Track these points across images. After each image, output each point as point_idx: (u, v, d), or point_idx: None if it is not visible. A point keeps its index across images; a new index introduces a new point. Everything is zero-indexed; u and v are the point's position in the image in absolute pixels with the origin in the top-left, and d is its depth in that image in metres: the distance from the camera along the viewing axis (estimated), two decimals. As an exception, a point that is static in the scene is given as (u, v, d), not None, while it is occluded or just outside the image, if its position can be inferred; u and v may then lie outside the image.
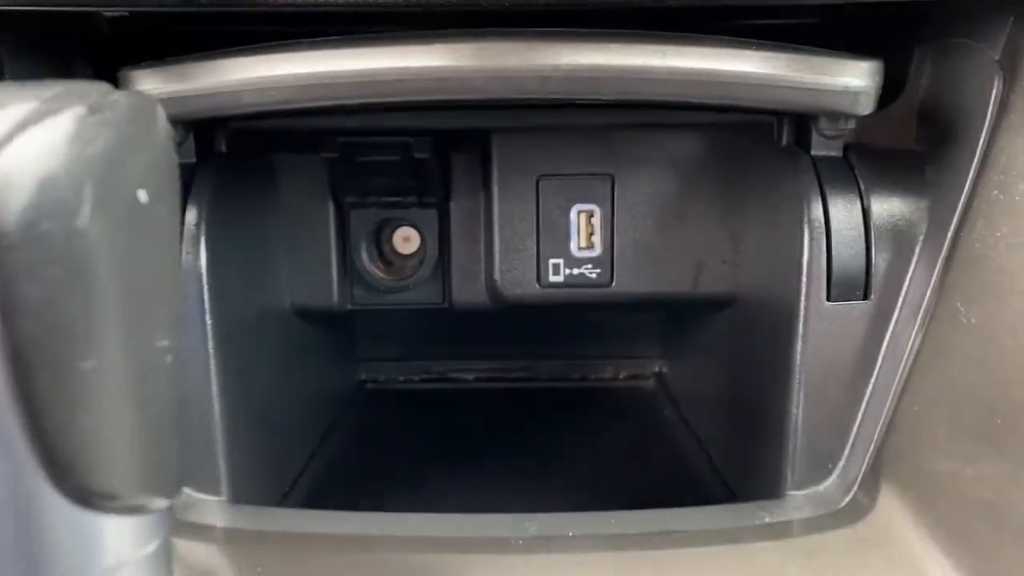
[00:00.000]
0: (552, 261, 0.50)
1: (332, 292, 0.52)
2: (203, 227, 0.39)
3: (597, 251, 0.49)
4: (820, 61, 0.36)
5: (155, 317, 0.21)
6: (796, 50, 0.36)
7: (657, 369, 0.65)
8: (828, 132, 0.39)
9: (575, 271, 0.50)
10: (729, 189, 0.48)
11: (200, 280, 0.39)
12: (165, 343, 0.22)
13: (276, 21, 0.39)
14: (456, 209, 0.52)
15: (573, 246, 0.49)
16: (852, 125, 0.38)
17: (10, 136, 0.18)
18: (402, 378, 0.65)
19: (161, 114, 0.23)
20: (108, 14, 0.39)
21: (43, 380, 0.19)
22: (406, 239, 0.55)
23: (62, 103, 0.20)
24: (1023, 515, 0.32)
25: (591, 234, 0.50)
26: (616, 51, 0.35)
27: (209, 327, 0.39)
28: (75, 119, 0.19)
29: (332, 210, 0.51)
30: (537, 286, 0.50)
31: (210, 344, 0.39)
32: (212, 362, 0.39)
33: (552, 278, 0.50)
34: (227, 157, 0.45)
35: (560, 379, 0.64)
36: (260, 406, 0.44)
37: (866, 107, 0.36)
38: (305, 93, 0.34)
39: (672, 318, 0.61)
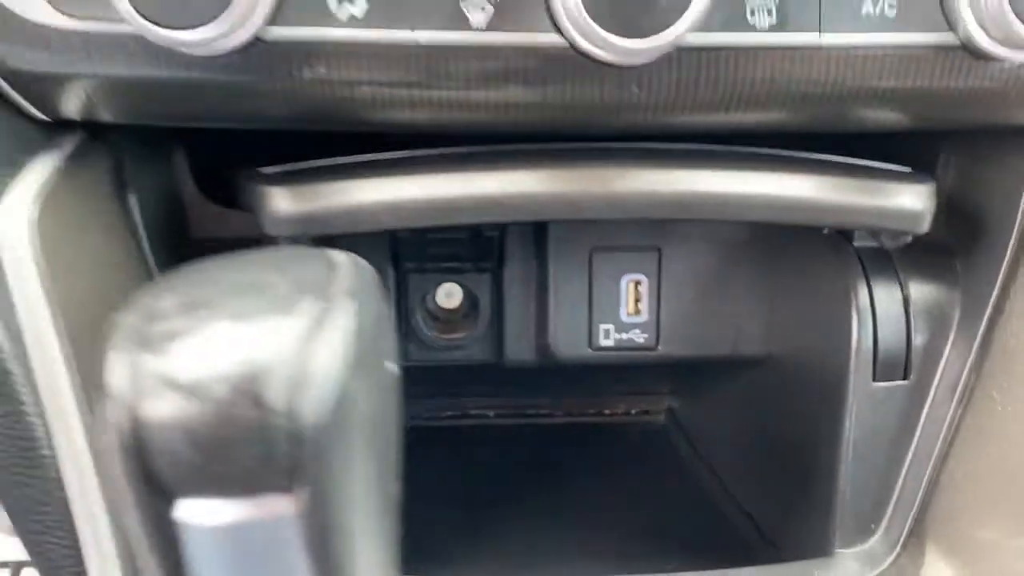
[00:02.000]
0: (603, 326, 0.54)
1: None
2: None
3: (644, 317, 0.53)
4: (881, 185, 0.40)
5: (392, 465, 0.25)
6: (854, 170, 0.41)
7: (667, 405, 0.69)
8: (888, 244, 0.44)
9: (624, 336, 0.54)
10: (769, 264, 0.52)
11: None
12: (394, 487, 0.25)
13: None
14: (509, 274, 0.55)
15: (622, 312, 0.53)
16: (909, 240, 0.43)
17: (309, 338, 0.21)
18: (426, 415, 0.68)
19: (374, 275, 0.25)
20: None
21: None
22: (448, 295, 0.58)
23: (316, 289, 0.23)
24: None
25: (638, 301, 0.53)
26: (701, 176, 0.39)
27: None
28: (346, 314, 0.22)
29: (392, 275, 0.54)
30: (589, 349, 0.54)
31: None
32: None
33: (603, 342, 0.54)
34: None
35: (576, 414, 0.68)
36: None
37: (924, 227, 0.41)
38: (439, 215, 0.38)
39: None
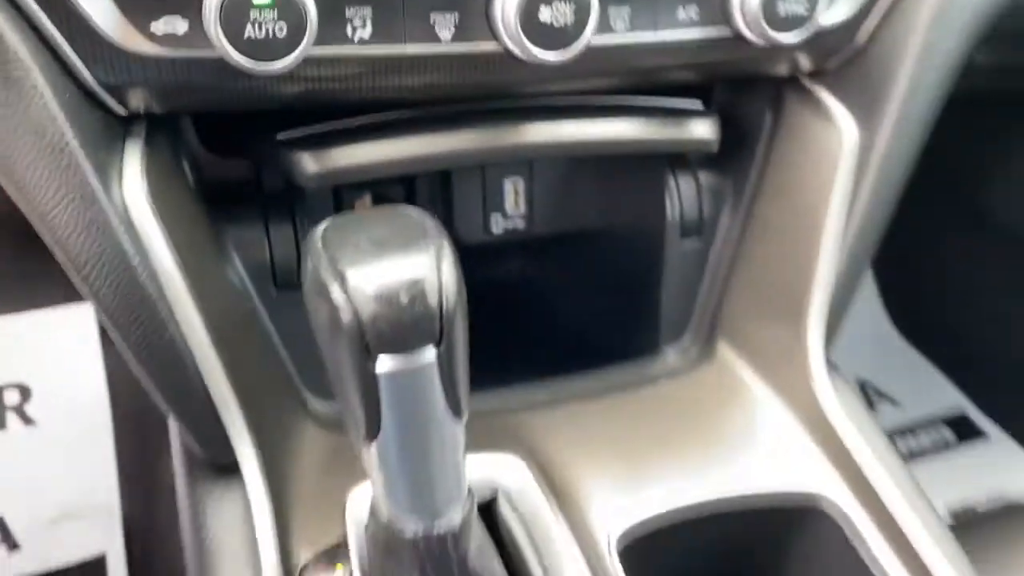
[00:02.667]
0: (493, 216, 0.73)
1: None
2: None
3: (522, 210, 0.74)
4: (683, 121, 0.62)
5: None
6: (664, 112, 0.62)
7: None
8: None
9: (509, 223, 0.74)
10: (609, 168, 0.73)
11: None
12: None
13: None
14: (420, 184, 0.73)
15: (507, 206, 0.74)
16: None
17: (438, 262, 0.39)
18: None
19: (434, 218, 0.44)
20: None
21: None
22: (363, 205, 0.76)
23: (422, 233, 0.41)
24: (804, 349, 0.63)
25: (517, 196, 0.74)
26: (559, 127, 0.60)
27: None
28: (446, 245, 0.40)
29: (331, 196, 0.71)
30: (484, 234, 0.74)
31: None
32: None
33: (494, 229, 0.74)
34: None
35: None
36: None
37: (715, 148, 0.64)
38: (415, 165, 0.56)
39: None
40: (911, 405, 1.56)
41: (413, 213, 0.44)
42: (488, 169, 0.72)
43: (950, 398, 1.61)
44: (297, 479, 0.55)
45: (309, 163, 0.55)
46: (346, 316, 0.39)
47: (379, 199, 0.74)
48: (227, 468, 0.54)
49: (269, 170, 0.62)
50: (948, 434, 1.54)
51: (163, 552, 1.12)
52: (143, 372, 0.51)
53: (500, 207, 0.73)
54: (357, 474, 0.54)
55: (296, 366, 0.61)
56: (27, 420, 1.25)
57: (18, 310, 1.30)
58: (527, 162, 0.73)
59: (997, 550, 0.78)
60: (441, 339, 0.41)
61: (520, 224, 0.74)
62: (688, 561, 0.57)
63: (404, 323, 0.40)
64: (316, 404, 0.61)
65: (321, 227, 0.43)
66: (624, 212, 0.72)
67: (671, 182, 0.69)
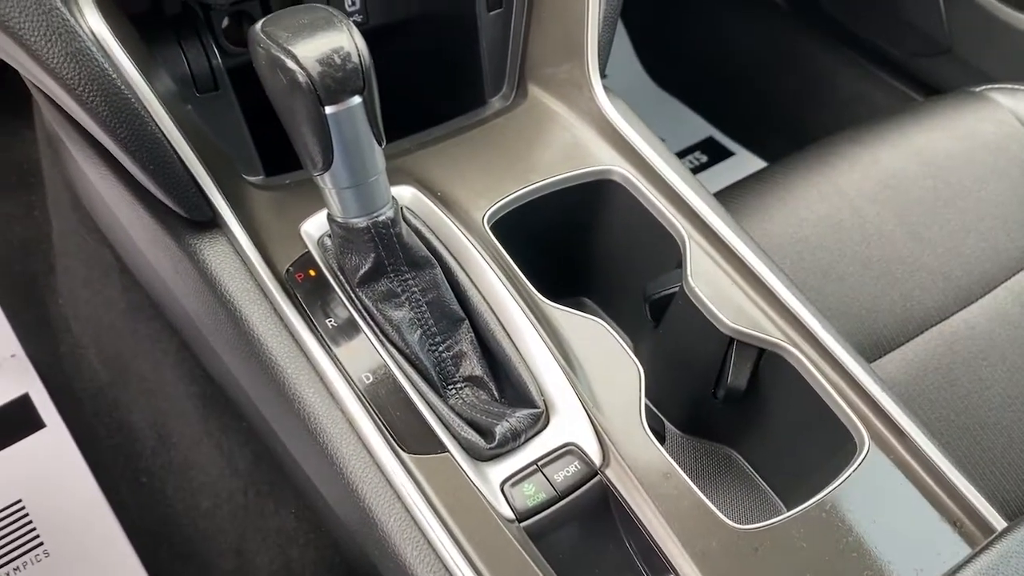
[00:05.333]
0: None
1: None
2: None
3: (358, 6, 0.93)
4: None
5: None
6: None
7: None
8: None
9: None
10: None
11: None
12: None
13: None
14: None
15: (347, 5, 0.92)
16: None
17: (351, 35, 0.60)
18: None
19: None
20: None
21: None
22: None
23: (337, 19, 0.62)
24: (587, 78, 0.88)
25: None
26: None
27: None
28: (351, 24, 0.61)
29: None
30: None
31: None
32: None
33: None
34: None
35: None
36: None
37: None
38: None
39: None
40: (671, 139, 1.90)
41: (320, 7, 0.64)
42: None
43: (701, 130, 1.98)
44: (257, 221, 0.76)
45: None
46: (302, 79, 0.60)
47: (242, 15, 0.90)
48: (204, 224, 0.74)
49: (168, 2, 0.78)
50: (702, 156, 1.92)
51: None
52: (133, 163, 0.69)
53: (341, 6, 0.92)
54: (294, 216, 0.76)
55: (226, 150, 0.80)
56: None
57: None
58: None
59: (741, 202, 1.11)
60: (364, 88, 0.62)
61: (360, 19, 0.93)
62: (533, 230, 0.83)
63: (341, 78, 0.61)
64: (247, 176, 0.81)
65: (259, 24, 0.62)
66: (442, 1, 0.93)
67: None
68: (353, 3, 0.92)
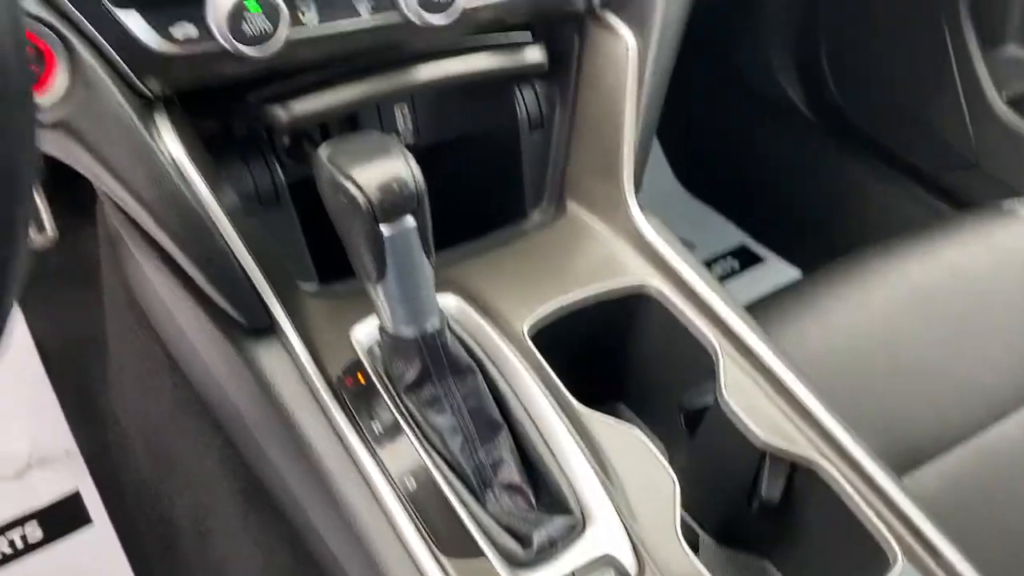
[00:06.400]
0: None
1: None
2: None
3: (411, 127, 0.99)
4: (521, 50, 0.89)
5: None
6: (507, 47, 0.89)
7: None
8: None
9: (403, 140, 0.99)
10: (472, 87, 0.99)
11: None
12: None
13: None
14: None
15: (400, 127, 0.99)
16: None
17: (408, 163, 0.66)
18: None
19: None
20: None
21: None
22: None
23: (393, 145, 0.67)
24: (622, 195, 0.93)
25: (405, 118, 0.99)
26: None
27: None
28: (406, 151, 0.66)
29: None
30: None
31: None
32: None
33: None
34: None
35: None
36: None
37: (545, 68, 0.91)
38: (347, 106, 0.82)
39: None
40: (703, 246, 1.95)
41: (376, 134, 0.69)
42: (382, 101, 0.97)
43: (732, 236, 2.02)
44: (310, 327, 0.80)
45: (281, 113, 0.79)
46: (362, 201, 0.65)
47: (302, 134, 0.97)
48: (261, 330, 0.79)
49: (237, 123, 0.84)
50: (734, 263, 1.95)
51: (126, 469, 1.31)
52: (199, 273, 0.74)
53: (394, 127, 0.99)
54: (345, 322, 0.80)
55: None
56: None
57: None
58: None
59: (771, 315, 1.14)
60: (417, 210, 0.67)
61: (411, 139, 1.00)
62: (571, 340, 0.87)
63: (397, 202, 0.66)
64: (301, 284, 0.86)
65: (323, 150, 0.68)
66: (487, 119, 0.99)
67: (517, 93, 0.96)
68: (406, 125, 0.99)
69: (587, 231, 0.95)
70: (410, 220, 0.67)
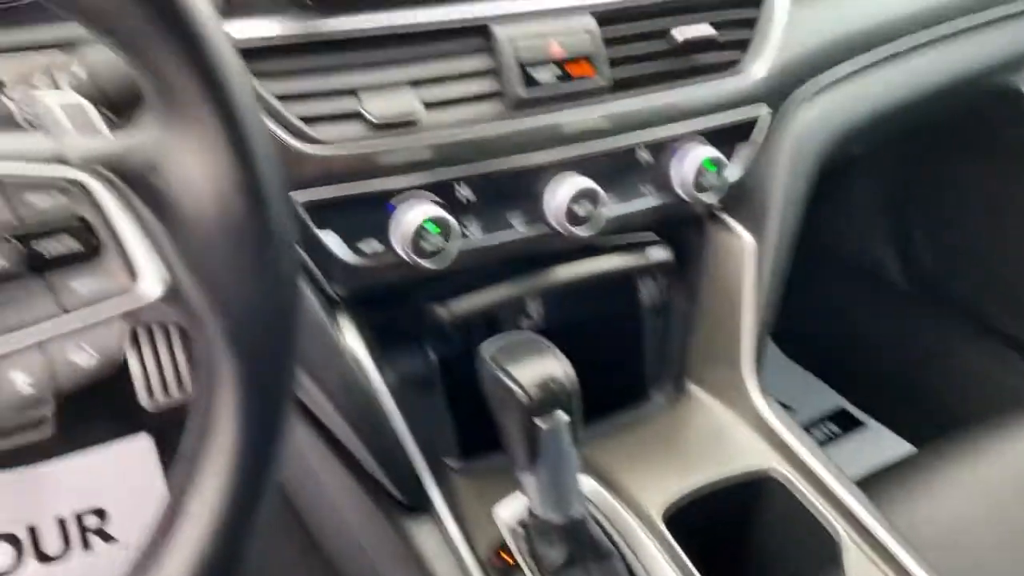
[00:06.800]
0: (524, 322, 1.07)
1: None
2: None
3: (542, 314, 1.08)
4: (647, 251, 0.99)
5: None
6: (635, 247, 0.99)
7: None
8: None
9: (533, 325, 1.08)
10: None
11: None
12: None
13: None
14: None
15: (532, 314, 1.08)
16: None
17: None
18: None
19: None
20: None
21: None
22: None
23: None
24: (743, 382, 0.99)
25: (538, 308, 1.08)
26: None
27: None
28: (563, 358, 0.75)
29: None
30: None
31: None
32: None
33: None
34: None
35: None
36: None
37: (672, 268, 1.01)
38: (497, 306, 0.91)
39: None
40: (802, 408, 1.97)
41: (529, 334, 0.78)
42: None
43: (830, 400, 2.04)
44: (457, 503, 0.87)
45: (443, 312, 0.89)
46: (523, 399, 0.73)
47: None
48: (414, 507, 0.86)
49: (400, 315, 0.94)
50: (834, 427, 1.96)
51: None
52: (364, 449, 0.83)
53: (524, 310, 1.08)
54: (487, 499, 0.87)
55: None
56: (108, 538, 1.47)
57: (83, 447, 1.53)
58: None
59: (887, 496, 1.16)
60: (570, 406, 0.75)
61: (541, 324, 1.08)
62: (699, 523, 0.91)
63: (552, 400, 0.73)
64: (446, 459, 0.94)
65: (486, 349, 0.76)
66: (611, 306, 1.08)
67: (641, 284, 1.05)
68: (537, 312, 1.07)
69: (709, 413, 1.01)
70: (562, 415, 0.74)
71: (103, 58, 0.59)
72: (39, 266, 0.44)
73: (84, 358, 0.46)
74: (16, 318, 0.44)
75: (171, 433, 0.56)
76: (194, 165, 0.45)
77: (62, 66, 0.60)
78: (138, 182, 0.45)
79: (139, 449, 1.51)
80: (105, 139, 0.46)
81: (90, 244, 0.45)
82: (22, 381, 0.45)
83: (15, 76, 0.60)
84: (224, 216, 0.46)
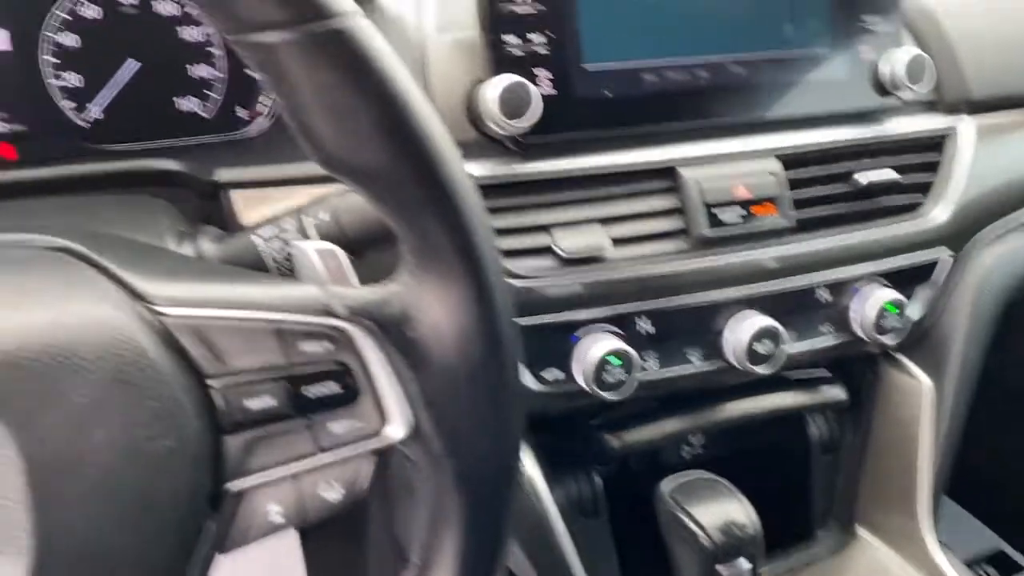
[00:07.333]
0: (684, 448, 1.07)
1: None
2: None
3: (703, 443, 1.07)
4: (821, 389, 0.98)
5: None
6: (809, 384, 0.98)
7: None
8: None
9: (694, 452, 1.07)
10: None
11: None
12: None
13: None
14: None
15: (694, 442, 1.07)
16: None
17: None
18: None
19: None
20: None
21: None
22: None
23: None
24: (920, 532, 0.94)
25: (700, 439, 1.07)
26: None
27: None
28: (747, 502, 0.74)
29: None
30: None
31: None
32: None
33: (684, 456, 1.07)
34: None
35: None
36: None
37: (846, 405, 0.99)
38: (663, 440, 0.91)
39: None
40: (958, 547, 1.85)
41: (709, 475, 0.77)
42: None
43: (988, 540, 1.91)
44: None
45: (614, 441, 0.90)
46: (706, 543, 0.72)
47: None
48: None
49: (569, 441, 0.96)
50: (992, 570, 1.84)
51: None
52: (533, 572, 0.83)
53: (689, 443, 1.07)
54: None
55: None
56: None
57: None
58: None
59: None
60: (753, 554, 0.74)
61: (701, 451, 1.07)
62: None
63: (736, 547, 0.73)
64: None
65: (665, 488, 0.76)
66: (778, 439, 1.06)
67: (810, 420, 1.03)
68: (700, 443, 1.07)
69: (880, 563, 0.97)
70: (745, 563, 0.73)
71: (345, 202, 0.65)
72: (304, 407, 0.48)
73: (332, 494, 0.49)
74: (279, 455, 0.48)
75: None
76: (444, 315, 0.48)
77: (310, 211, 0.65)
78: (393, 331, 0.49)
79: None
80: (365, 291, 0.50)
81: (350, 388, 0.48)
82: (275, 512, 0.49)
83: (264, 216, 0.66)
84: (467, 364, 0.49)
